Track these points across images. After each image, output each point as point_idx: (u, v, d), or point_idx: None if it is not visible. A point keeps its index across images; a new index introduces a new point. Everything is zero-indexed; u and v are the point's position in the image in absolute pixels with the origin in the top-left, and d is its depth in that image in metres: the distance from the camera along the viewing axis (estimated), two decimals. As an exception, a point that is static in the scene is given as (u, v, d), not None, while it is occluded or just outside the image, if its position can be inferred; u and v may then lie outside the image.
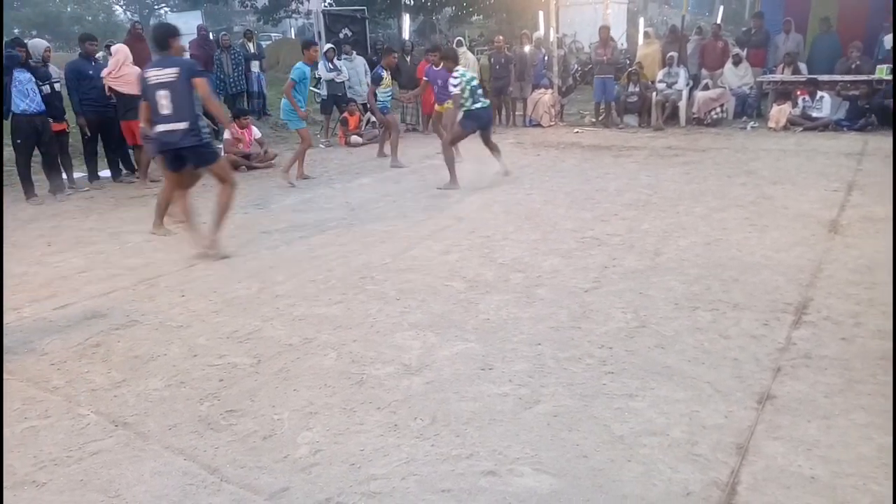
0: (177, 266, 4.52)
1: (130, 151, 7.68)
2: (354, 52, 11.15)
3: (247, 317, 3.58)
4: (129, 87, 6.90)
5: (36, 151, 6.75)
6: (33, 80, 6.45)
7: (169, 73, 4.44)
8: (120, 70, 7.00)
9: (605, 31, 10.67)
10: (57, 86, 6.95)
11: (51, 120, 6.72)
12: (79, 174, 7.71)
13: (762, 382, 2.68)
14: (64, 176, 7.11)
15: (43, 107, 6.53)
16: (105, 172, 7.74)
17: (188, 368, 3.01)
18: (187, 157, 4.61)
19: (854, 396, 2.55)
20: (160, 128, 4.51)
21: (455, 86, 6.51)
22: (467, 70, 7.04)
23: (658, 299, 3.59)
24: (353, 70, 10.60)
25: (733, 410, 2.48)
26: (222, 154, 8.27)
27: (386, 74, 8.27)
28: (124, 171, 7.68)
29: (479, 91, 6.74)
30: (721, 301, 3.53)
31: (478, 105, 6.59)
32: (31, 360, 3.15)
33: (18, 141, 6.49)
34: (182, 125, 4.44)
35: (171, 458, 2.33)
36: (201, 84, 4.50)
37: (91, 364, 3.09)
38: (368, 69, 10.46)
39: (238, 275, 4.28)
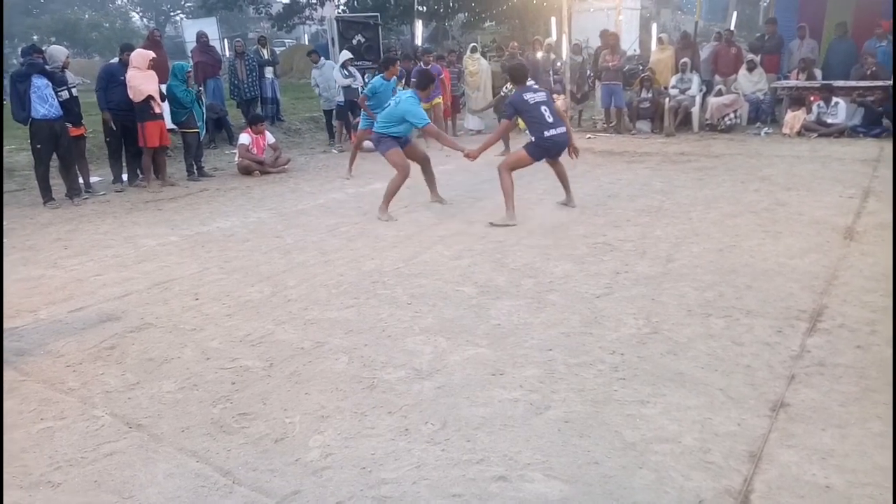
0: (190, 270, 4.56)
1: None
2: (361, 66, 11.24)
3: (259, 320, 3.60)
4: (135, 92, 7.09)
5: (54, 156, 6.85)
6: (50, 85, 6.55)
7: None
8: (132, 74, 7.14)
9: (613, 37, 10.65)
10: (74, 91, 7.06)
11: (69, 125, 6.83)
12: (95, 178, 7.82)
13: (776, 390, 2.65)
14: (81, 180, 7.21)
15: (60, 112, 6.63)
16: (124, 176, 7.84)
17: (201, 371, 3.03)
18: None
19: (870, 405, 2.52)
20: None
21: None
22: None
23: (670, 305, 3.57)
24: (355, 84, 10.56)
25: (746, 418, 2.46)
26: (237, 159, 8.39)
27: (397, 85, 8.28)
28: (140, 176, 7.76)
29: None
30: (734, 308, 3.50)
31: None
32: (47, 362, 3.19)
33: (38, 146, 6.59)
34: None
35: (183, 460, 2.35)
36: None
37: (106, 366, 3.13)
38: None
39: (251, 279, 4.31)
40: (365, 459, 2.30)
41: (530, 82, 6.26)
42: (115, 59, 8.00)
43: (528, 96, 5.45)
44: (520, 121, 5.93)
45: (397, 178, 5.81)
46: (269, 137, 8.67)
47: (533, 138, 5.48)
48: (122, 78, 7.25)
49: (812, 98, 9.60)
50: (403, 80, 9.39)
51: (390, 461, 2.29)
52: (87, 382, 2.97)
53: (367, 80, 9.86)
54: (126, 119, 7.34)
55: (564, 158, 5.78)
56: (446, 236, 5.12)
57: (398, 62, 8.40)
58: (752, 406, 2.54)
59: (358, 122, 10.10)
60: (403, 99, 5.74)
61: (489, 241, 4.92)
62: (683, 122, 10.34)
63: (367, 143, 9.66)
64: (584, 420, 2.49)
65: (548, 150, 5.52)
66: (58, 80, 6.76)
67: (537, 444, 2.35)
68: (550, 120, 5.40)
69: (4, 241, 5.36)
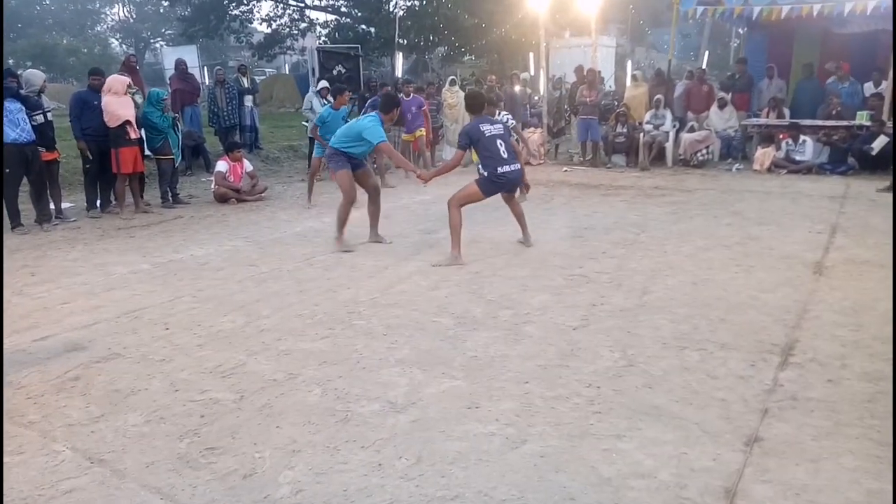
0: (161, 298, 4.47)
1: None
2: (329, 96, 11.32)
3: (231, 351, 3.53)
4: (110, 117, 7.04)
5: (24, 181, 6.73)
6: (24, 109, 6.47)
7: None
8: (108, 100, 7.08)
9: (591, 73, 10.91)
10: (49, 115, 6.98)
11: (42, 149, 6.73)
12: (67, 204, 7.68)
13: (750, 424, 2.66)
14: (52, 206, 7.07)
15: (33, 136, 6.53)
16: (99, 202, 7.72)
17: (169, 403, 2.94)
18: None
19: (842, 440, 2.53)
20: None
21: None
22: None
23: (646, 338, 3.58)
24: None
25: (721, 453, 2.46)
26: (213, 187, 8.32)
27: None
28: (113, 203, 7.65)
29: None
30: (708, 341, 3.53)
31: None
32: (7, 394, 3.06)
33: (7, 170, 6.47)
34: None
35: (147, 497, 2.26)
36: None
37: (69, 398, 3.02)
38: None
39: (224, 308, 4.24)
40: (337, 496, 2.24)
41: (506, 113, 6.42)
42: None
43: (485, 128, 5.20)
44: (473, 153, 5.65)
45: (344, 205, 5.63)
46: (247, 165, 8.63)
47: (485, 173, 5.18)
48: (96, 103, 7.19)
49: (781, 136, 9.89)
50: (356, 108, 9.49)
51: (362, 498, 2.23)
52: (48, 415, 2.86)
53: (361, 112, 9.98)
54: (102, 144, 7.26)
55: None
56: (423, 267, 5.10)
57: (347, 91, 8.32)
58: (727, 440, 2.54)
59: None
60: (365, 118, 5.61)
61: (466, 272, 4.91)
62: (657, 156, 10.55)
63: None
64: (561, 455, 2.46)
65: (501, 186, 5.27)
66: (32, 105, 6.68)
67: (513, 479, 2.31)
68: (505, 156, 5.15)
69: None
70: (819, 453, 2.44)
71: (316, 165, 8.10)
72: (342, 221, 5.68)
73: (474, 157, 6.16)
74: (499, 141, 5.18)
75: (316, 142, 7.74)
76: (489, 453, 2.48)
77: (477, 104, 5.47)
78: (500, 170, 5.12)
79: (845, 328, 3.67)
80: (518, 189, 5.38)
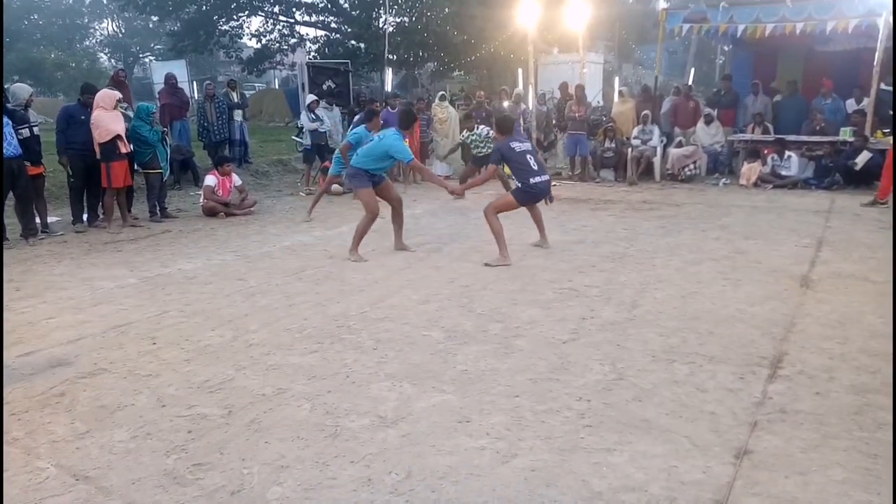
0: (149, 313, 4.42)
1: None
2: (334, 104, 11.38)
3: (219, 366, 3.50)
4: (101, 132, 7.00)
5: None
6: (10, 124, 6.43)
7: None
8: (99, 114, 7.06)
9: (579, 89, 11.03)
10: (36, 129, 6.94)
11: (28, 164, 6.68)
12: (53, 218, 7.62)
13: (739, 437, 2.67)
14: (38, 220, 7.01)
15: (20, 150, 6.49)
16: (85, 216, 7.66)
17: (156, 419, 2.91)
18: None
19: (830, 452, 2.54)
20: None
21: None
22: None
23: (635, 351, 3.59)
24: (332, 120, 10.82)
25: (711, 466, 2.46)
26: (202, 201, 8.29)
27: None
28: (101, 217, 7.60)
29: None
30: (697, 354, 3.54)
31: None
32: (-10, 410, 3.02)
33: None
34: None
35: (132, 515, 2.23)
36: None
37: (54, 414, 2.98)
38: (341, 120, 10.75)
39: (212, 322, 4.20)
40: (326, 512, 2.22)
41: (485, 127, 6.74)
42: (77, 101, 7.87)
43: (515, 145, 5.70)
44: (506, 167, 6.25)
45: (366, 219, 5.85)
46: (236, 179, 8.61)
47: (519, 184, 5.74)
48: (83, 118, 7.16)
49: (767, 151, 10.02)
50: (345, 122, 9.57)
51: (352, 514, 2.21)
52: (32, 432, 2.82)
53: (350, 126, 10.02)
54: (88, 159, 7.22)
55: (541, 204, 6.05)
56: (414, 280, 5.10)
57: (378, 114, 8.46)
58: (716, 453, 2.54)
59: (326, 166, 10.18)
60: (388, 135, 5.80)
61: (457, 286, 4.91)
62: (645, 171, 10.65)
63: (336, 187, 9.73)
64: (551, 469, 2.45)
65: (534, 196, 5.77)
66: (18, 119, 6.64)
67: (503, 493, 2.30)
68: (535, 168, 5.68)
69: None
70: (808, 466, 2.45)
71: (331, 182, 8.20)
72: (360, 235, 5.87)
73: (507, 170, 6.98)
74: (528, 155, 5.71)
75: (336, 159, 7.69)
76: (480, 467, 2.47)
77: (507, 126, 5.93)
78: (532, 180, 5.65)
79: (832, 341, 3.70)
80: (546, 199, 5.88)
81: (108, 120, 7.07)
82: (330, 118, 10.75)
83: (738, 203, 8.44)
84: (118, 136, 7.10)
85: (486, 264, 5.49)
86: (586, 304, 4.43)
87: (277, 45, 24.87)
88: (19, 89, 7.14)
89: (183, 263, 5.83)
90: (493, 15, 17.48)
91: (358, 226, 5.89)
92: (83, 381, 3.32)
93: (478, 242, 6.38)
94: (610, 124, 10.94)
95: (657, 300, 4.50)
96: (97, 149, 7.13)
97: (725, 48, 17.95)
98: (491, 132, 8.16)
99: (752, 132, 10.55)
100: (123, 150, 7.21)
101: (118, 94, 7.42)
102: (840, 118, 10.26)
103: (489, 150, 7.02)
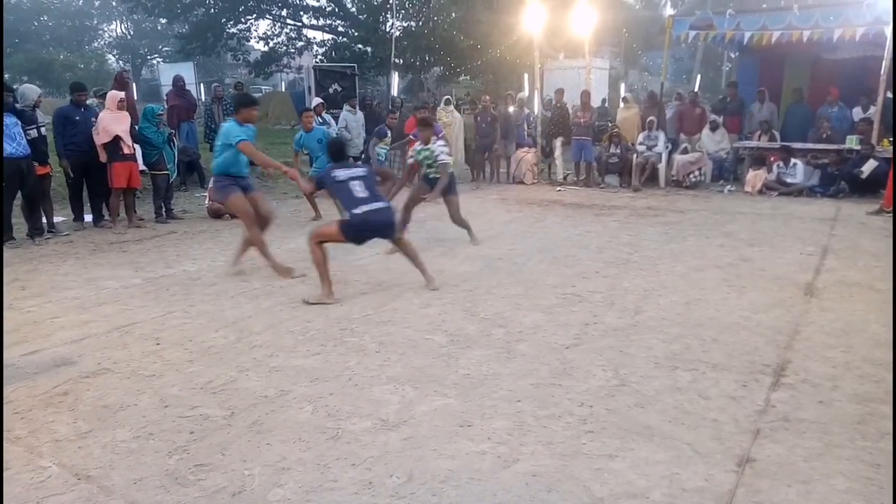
0: (153, 313, 4.44)
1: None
2: (357, 107, 11.41)
3: (222, 367, 3.51)
4: (101, 134, 7.05)
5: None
6: (19, 123, 6.47)
7: None
8: (102, 115, 7.12)
9: (585, 95, 11.03)
10: (43, 130, 6.98)
11: (35, 163, 6.72)
12: (59, 218, 7.65)
13: (742, 445, 2.66)
14: (44, 220, 7.05)
15: (28, 150, 6.53)
16: (88, 216, 7.70)
17: (158, 419, 2.92)
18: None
19: (833, 461, 2.53)
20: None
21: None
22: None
23: (638, 358, 3.58)
24: (356, 123, 10.71)
25: (713, 473, 2.45)
26: (206, 202, 8.32)
27: (390, 133, 8.78)
28: (106, 217, 7.64)
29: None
30: (701, 361, 3.53)
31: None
32: (-6, 408, 3.03)
33: (3, 184, 6.45)
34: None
35: (134, 515, 2.23)
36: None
37: (57, 413, 2.99)
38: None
39: (215, 324, 4.22)
40: (326, 514, 2.22)
41: (442, 142, 6.26)
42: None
43: (338, 173, 4.86)
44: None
45: (249, 228, 5.36)
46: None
47: (347, 216, 4.78)
48: (77, 118, 7.19)
49: (772, 158, 10.00)
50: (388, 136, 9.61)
51: (352, 516, 2.21)
52: (35, 430, 2.83)
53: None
54: (86, 158, 7.24)
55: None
56: (417, 284, 5.10)
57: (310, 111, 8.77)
58: (718, 461, 2.54)
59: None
60: (224, 126, 5.41)
61: (460, 290, 4.92)
62: (650, 177, 10.63)
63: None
64: (552, 474, 2.45)
65: (361, 229, 4.73)
66: (27, 119, 6.68)
67: (504, 498, 2.30)
68: (365, 195, 4.71)
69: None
70: (810, 475, 2.44)
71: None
72: (257, 247, 5.39)
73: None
74: (353, 182, 4.78)
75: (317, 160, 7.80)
76: (481, 472, 2.47)
77: (333, 151, 5.16)
78: (355, 210, 4.69)
79: (836, 349, 3.68)
80: (392, 234, 4.91)
81: (109, 121, 7.11)
82: (354, 122, 10.72)
83: (743, 210, 8.42)
84: (119, 138, 7.14)
85: (305, 301, 4.67)
86: (589, 310, 4.42)
87: (284, 48, 24.98)
88: (28, 90, 7.19)
89: (187, 265, 5.85)
90: (500, 20, 17.53)
91: (246, 240, 5.44)
92: (86, 381, 3.34)
93: (481, 248, 6.38)
94: (615, 130, 10.94)
95: (661, 306, 4.49)
96: (100, 150, 7.17)
97: (732, 55, 17.96)
98: (442, 152, 6.35)
99: (758, 139, 10.53)
100: (126, 151, 7.24)
101: (121, 94, 7.46)
102: (846, 126, 10.22)
103: (435, 167, 6.31)
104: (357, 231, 4.75)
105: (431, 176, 6.40)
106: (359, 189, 4.74)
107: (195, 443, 2.71)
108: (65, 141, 7.20)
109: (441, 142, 6.47)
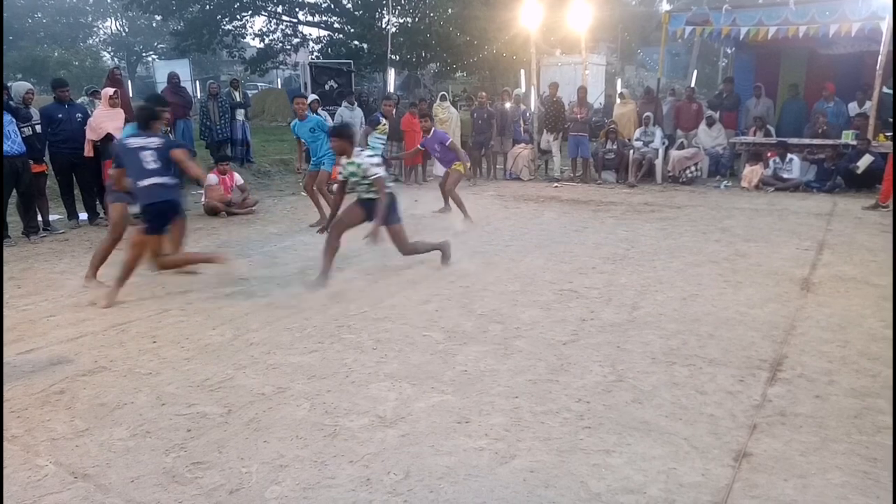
0: (149, 311, 4.43)
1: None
2: (356, 104, 11.41)
3: (219, 364, 3.50)
4: (92, 132, 7.01)
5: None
6: (14, 121, 6.44)
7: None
8: (95, 113, 7.09)
9: (582, 91, 11.03)
10: (38, 128, 6.95)
11: (31, 161, 6.69)
12: (55, 216, 7.63)
13: (738, 439, 2.66)
14: (39, 218, 7.02)
15: (24, 148, 6.51)
16: (84, 214, 7.67)
17: (155, 417, 2.91)
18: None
19: (829, 455, 2.54)
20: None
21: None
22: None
23: (635, 353, 3.59)
24: (353, 119, 10.75)
25: (710, 468, 2.46)
26: (203, 200, 8.30)
27: (384, 120, 8.56)
28: (101, 215, 7.61)
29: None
30: (697, 356, 3.54)
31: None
32: (-10, 407, 3.03)
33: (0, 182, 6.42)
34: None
35: (131, 513, 2.23)
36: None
37: (54, 411, 2.98)
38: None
39: (212, 321, 4.21)
40: (324, 511, 2.22)
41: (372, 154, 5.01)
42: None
43: (131, 140, 4.51)
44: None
45: (109, 241, 5.03)
46: (238, 178, 8.63)
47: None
48: (60, 116, 7.14)
49: (769, 154, 10.01)
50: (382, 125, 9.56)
51: (350, 513, 2.21)
52: (31, 429, 2.82)
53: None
54: (73, 156, 7.20)
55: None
56: (414, 281, 5.10)
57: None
58: (715, 456, 2.54)
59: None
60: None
61: (457, 287, 4.91)
62: (647, 173, 10.64)
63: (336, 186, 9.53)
64: (550, 470, 2.45)
65: (146, 206, 4.40)
66: (22, 117, 6.66)
67: (502, 494, 2.30)
68: (151, 167, 4.34)
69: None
70: (807, 469, 2.45)
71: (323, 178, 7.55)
72: (102, 260, 5.03)
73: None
74: (143, 153, 4.41)
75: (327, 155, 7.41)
76: (478, 468, 2.47)
77: (141, 116, 4.65)
78: (140, 183, 4.38)
79: (832, 344, 3.69)
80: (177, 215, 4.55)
81: (101, 118, 7.08)
82: (352, 118, 10.71)
83: (740, 206, 8.43)
84: (111, 135, 7.11)
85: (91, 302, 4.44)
86: (586, 306, 4.43)
87: (280, 44, 24.91)
88: (18, 87, 7.17)
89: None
90: (496, 16, 17.49)
91: (102, 254, 5.07)
92: (83, 379, 3.33)
93: (478, 245, 6.38)
94: (612, 126, 10.94)
95: (657, 302, 4.49)
96: (87, 146, 7.12)
97: (728, 51, 17.97)
98: (373, 159, 5.08)
99: (754, 135, 10.54)
100: None
101: (112, 90, 7.42)
102: (842, 121, 10.24)
103: (366, 185, 5.01)
104: (147, 212, 4.36)
105: (364, 197, 5.05)
106: (151, 162, 4.36)
107: (192, 440, 2.71)
108: (50, 139, 7.14)
109: (368, 152, 5.15)
